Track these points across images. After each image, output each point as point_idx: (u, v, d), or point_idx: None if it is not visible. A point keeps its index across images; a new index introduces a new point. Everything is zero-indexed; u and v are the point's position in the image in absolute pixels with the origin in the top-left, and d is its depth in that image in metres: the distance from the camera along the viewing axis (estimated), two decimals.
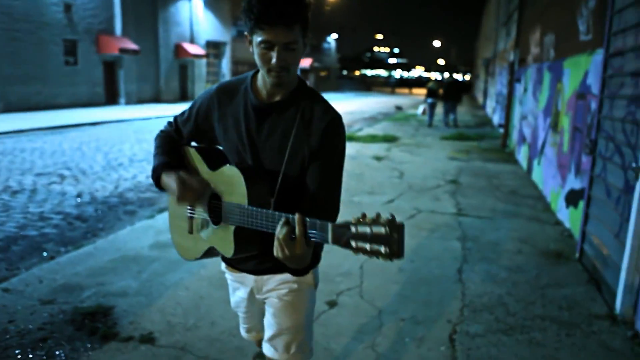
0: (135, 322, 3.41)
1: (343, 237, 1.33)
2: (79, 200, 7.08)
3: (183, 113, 1.92)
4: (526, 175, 9.13)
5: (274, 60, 1.55)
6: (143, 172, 9.22)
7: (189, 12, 31.25)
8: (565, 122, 6.29)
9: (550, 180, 7.00)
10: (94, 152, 11.33)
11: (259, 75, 1.73)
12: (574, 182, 5.55)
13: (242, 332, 2.16)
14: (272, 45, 1.54)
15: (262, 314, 1.99)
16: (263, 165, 1.72)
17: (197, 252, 1.87)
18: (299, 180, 1.70)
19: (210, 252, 1.84)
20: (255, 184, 1.64)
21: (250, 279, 1.90)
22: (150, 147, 12.31)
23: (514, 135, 11.80)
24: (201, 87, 33.18)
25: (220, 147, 1.87)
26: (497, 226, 5.82)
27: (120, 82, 26.30)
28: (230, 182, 1.67)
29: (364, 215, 1.30)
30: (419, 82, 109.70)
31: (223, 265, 2.01)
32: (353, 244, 1.31)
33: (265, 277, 1.87)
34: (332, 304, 3.71)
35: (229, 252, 1.71)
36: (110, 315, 3.50)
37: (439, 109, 21.75)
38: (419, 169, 9.58)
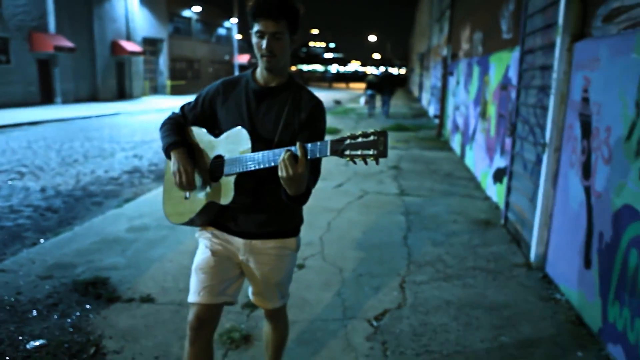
0: (133, 288, 3.92)
1: (339, 148, 1.67)
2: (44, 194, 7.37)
3: (190, 102, 2.26)
4: (460, 160, 10.08)
5: (264, 47, 1.94)
6: (100, 167, 9.50)
7: (125, 9, 30.82)
8: (492, 110, 7.18)
9: (480, 163, 7.91)
10: (45, 150, 11.42)
11: (258, 68, 2.12)
12: (500, 162, 6.43)
13: (194, 295, 2.16)
14: (263, 35, 1.93)
15: (224, 277, 2.19)
16: (258, 133, 2.05)
17: (193, 211, 2.12)
18: (290, 143, 1.99)
19: (205, 211, 2.10)
20: (257, 142, 1.98)
21: (238, 241, 2.15)
22: (101, 144, 12.52)
23: (449, 125, 12.79)
24: (139, 85, 32.82)
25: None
26: (435, 203, 6.63)
27: (56, 80, 25.69)
28: (235, 140, 2.00)
29: (354, 133, 1.67)
30: (356, 76, 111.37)
31: (198, 230, 2.27)
32: (347, 152, 1.65)
33: (254, 241, 2.14)
34: (300, 266, 4.34)
35: (228, 198, 1.99)
36: (108, 284, 3.97)
37: (379, 102, 22.98)
38: None
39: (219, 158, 2.07)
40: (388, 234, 5.28)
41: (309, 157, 1.76)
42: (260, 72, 2.10)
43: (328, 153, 1.69)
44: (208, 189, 2.08)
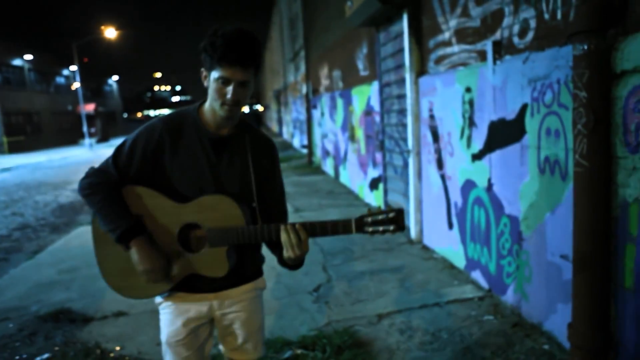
0: (101, 309, 4.36)
1: (362, 226, 1.82)
2: None
3: (119, 154, 1.90)
4: (335, 180, 11.65)
5: (229, 96, 1.76)
6: None
7: None
8: (360, 133, 8.80)
9: (355, 178, 9.49)
10: None
11: (206, 110, 1.90)
12: (373, 173, 8.01)
13: None
14: (229, 82, 1.75)
15: (198, 344, 2.05)
16: (227, 192, 1.89)
17: (165, 285, 1.94)
18: (264, 197, 2.00)
19: (181, 283, 1.95)
20: (243, 206, 1.89)
21: (209, 296, 2.01)
22: None
23: (318, 152, 14.40)
24: None
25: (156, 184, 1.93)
26: (327, 213, 8.02)
27: None
28: (217, 208, 1.85)
29: (370, 209, 1.84)
30: None
31: (160, 297, 2.03)
32: (370, 229, 1.81)
33: (228, 291, 2.02)
34: None
35: (222, 271, 1.90)
36: (75, 312, 4.33)
37: None
38: None
39: (193, 227, 1.90)
40: None
41: (334, 234, 1.88)
42: (212, 116, 1.89)
43: (353, 230, 1.85)
44: (184, 260, 1.91)
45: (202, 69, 1.84)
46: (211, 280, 1.95)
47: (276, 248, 1.98)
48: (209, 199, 1.85)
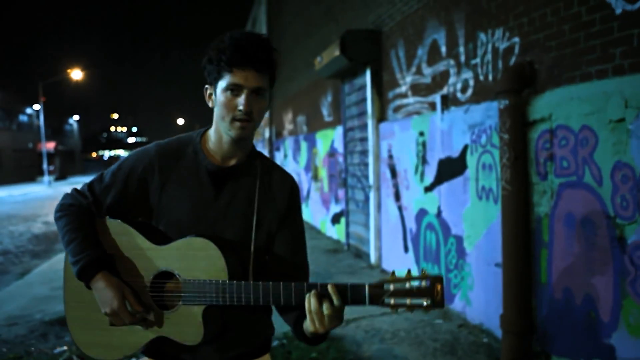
0: None
1: (380, 296, 1.35)
2: None
3: (101, 179, 1.61)
4: None
5: (240, 107, 1.45)
6: None
7: None
8: (323, 173, 9.63)
9: (317, 214, 10.25)
10: None
11: (210, 137, 1.60)
12: (335, 208, 8.80)
13: None
14: (241, 89, 1.45)
15: None
16: (222, 235, 1.55)
17: (130, 347, 1.57)
18: (268, 246, 1.62)
19: (148, 346, 1.58)
20: (230, 256, 1.50)
21: None
22: None
23: None
24: None
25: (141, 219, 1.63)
26: None
27: None
28: (200, 256, 1.49)
29: (393, 273, 1.37)
30: None
31: None
32: (391, 301, 1.34)
33: None
34: None
35: (196, 338, 1.50)
36: None
37: None
38: None
39: (167, 276, 1.54)
40: None
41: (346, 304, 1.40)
42: (217, 143, 1.58)
43: (366, 302, 1.38)
44: (151, 317, 1.53)
45: (206, 86, 1.56)
46: (196, 355, 1.57)
47: (286, 312, 1.60)
48: (192, 243, 1.51)
